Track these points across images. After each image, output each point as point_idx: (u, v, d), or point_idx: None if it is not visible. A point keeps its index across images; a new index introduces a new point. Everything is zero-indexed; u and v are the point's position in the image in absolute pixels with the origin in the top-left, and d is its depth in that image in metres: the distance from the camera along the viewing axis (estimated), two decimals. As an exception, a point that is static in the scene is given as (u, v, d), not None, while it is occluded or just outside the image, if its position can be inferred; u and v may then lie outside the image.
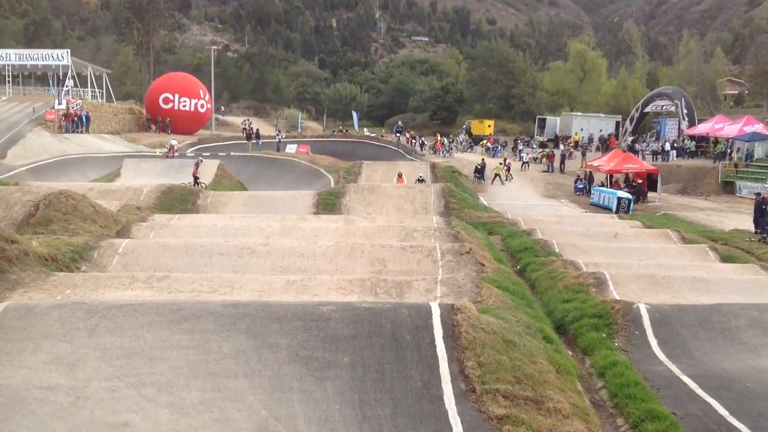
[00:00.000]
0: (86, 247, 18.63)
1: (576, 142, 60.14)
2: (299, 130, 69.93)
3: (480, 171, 45.38)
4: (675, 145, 53.61)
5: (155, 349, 11.26)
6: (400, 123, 37.74)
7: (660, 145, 54.35)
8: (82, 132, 52.22)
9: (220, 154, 46.50)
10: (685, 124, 55.35)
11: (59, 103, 53.44)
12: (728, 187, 43.86)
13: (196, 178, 35.79)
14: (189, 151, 49.93)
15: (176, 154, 45.53)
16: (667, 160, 50.51)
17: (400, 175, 38.14)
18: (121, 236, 21.43)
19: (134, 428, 9.13)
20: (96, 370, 10.50)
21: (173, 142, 47.23)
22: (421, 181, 35.86)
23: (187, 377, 10.53)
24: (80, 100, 57.08)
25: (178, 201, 30.19)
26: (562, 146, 57.71)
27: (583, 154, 52.95)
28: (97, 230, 21.28)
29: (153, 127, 63.65)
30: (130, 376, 10.46)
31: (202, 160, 37.92)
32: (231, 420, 9.54)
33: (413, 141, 42.02)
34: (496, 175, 44.46)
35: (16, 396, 9.58)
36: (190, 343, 11.48)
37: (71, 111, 52.97)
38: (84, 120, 53.24)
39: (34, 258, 16.28)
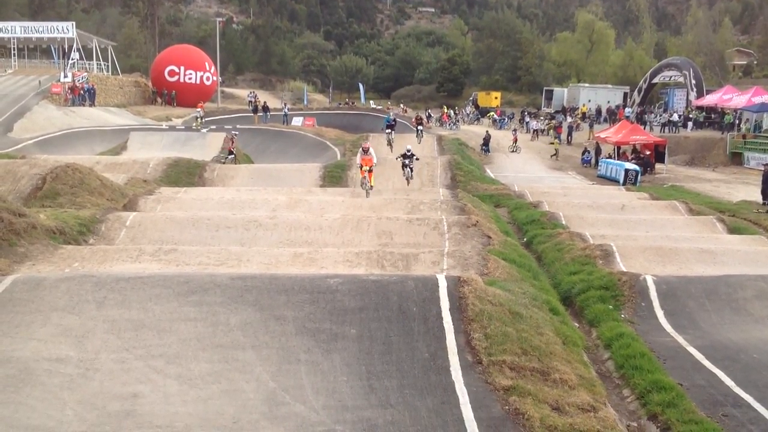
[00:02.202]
0: (93, 220, 18.68)
1: (583, 114, 59.82)
2: (305, 102, 69.68)
3: (486, 143, 45.20)
4: (687, 115, 53.20)
5: (163, 321, 11.33)
6: (391, 115, 35.58)
7: (668, 116, 54.01)
8: (88, 105, 52.14)
9: (226, 127, 46.41)
10: (693, 94, 54.98)
11: (65, 76, 53.32)
12: (736, 159, 43.64)
13: (230, 152, 36.03)
14: (194, 124, 49.82)
15: (203, 123, 45.80)
16: (676, 132, 50.23)
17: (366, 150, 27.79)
18: (128, 209, 21.47)
19: (143, 399, 9.20)
20: (105, 342, 10.57)
21: (199, 113, 47.24)
22: (406, 156, 27.25)
23: (196, 349, 10.60)
24: (86, 73, 56.93)
25: (184, 174, 30.19)
26: (569, 118, 57.38)
27: (591, 126, 52.68)
28: (104, 203, 21.32)
29: (159, 99, 63.53)
30: (139, 348, 10.53)
31: (236, 134, 37.97)
32: (239, 391, 9.60)
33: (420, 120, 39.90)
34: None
35: (26, 368, 9.65)
36: (198, 316, 11.54)
37: (77, 84, 52.86)
38: (90, 93, 53.13)
39: (41, 231, 16.34)
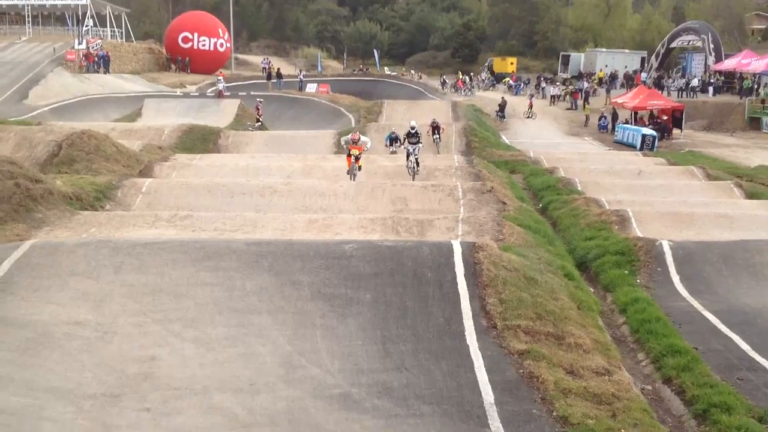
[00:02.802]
0: (110, 186, 18.78)
1: (600, 79, 59.24)
2: (319, 69, 69.36)
3: (502, 109, 44.91)
4: (708, 80, 52.54)
5: (180, 286, 11.41)
6: (393, 132, 27.24)
7: (686, 81, 53.40)
8: (102, 72, 52.12)
9: (240, 93, 46.31)
10: (711, 59, 54.25)
11: (79, 43, 53.24)
12: (754, 123, 43.14)
13: (258, 119, 36.13)
14: (209, 91, 49.74)
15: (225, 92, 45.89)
16: (694, 97, 49.69)
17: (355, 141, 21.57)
18: (144, 176, 21.56)
19: (161, 362, 9.30)
20: (123, 306, 10.67)
21: (221, 87, 47.20)
22: (411, 138, 22.70)
23: (212, 313, 10.68)
24: (100, 40, 56.83)
25: (199, 141, 30.22)
26: (586, 83, 56.86)
27: (608, 91, 52.19)
28: (120, 170, 21.41)
29: (173, 66, 63.35)
30: (156, 312, 10.62)
31: (261, 101, 37.99)
32: (256, 354, 9.68)
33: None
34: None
35: (45, 331, 9.77)
36: (214, 281, 11.62)
37: (91, 51, 52.80)
38: (104, 60, 53.09)
39: (58, 197, 16.44)
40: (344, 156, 23.37)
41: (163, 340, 9.89)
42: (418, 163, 22.50)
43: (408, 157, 22.47)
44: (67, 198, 16.74)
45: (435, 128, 28.83)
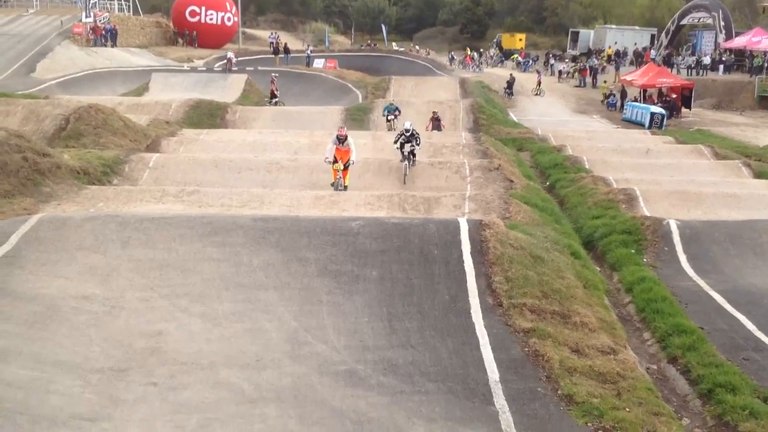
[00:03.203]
0: (117, 161, 18.79)
1: (609, 56, 58.80)
2: (326, 44, 69.00)
3: (510, 86, 44.67)
4: (718, 57, 52.08)
5: (187, 261, 11.45)
6: (392, 103, 28.89)
7: (696, 58, 52.97)
8: (109, 45, 51.96)
9: (247, 68, 46.13)
10: (722, 37, 53.76)
11: (87, 16, 53.02)
12: (764, 102, 42.78)
13: (273, 94, 36.00)
14: (216, 65, 49.58)
15: (234, 66, 45.63)
16: (704, 75, 49.31)
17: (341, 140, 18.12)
18: (151, 150, 21.56)
19: (168, 337, 9.35)
20: (130, 281, 10.72)
21: (230, 55, 46.88)
22: (407, 137, 19.53)
23: (219, 289, 10.72)
24: (107, 14, 56.58)
25: (206, 116, 30.17)
26: (595, 60, 56.44)
27: (617, 69, 51.82)
28: (127, 144, 21.41)
29: (180, 40, 63.09)
30: (164, 287, 10.66)
31: (276, 76, 37.83)
32: (262, 330, 9.72)
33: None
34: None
35: (53, 305, 9.82)
36: (221, 256, 11.65)
37: (99, 24, 52.61)
38: (111, 33, 52.90)
39: (66, 171, 16.47)
40: (351, 132, 22.78)
41: (170, 315, 9.93)
42: (414, 159, 19.60)
43: (404, 157, 19.45)
44: (74, 172, 16.77)
45: (436, 122, 27.55)
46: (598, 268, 14.18)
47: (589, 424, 8.03)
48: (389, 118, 28.15)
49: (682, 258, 14.26)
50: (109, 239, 11.82)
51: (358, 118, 31.13)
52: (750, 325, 11.14)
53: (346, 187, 17.80)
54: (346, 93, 41.78)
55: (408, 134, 19.44)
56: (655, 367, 10.32)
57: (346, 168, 17.77)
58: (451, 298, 10.88)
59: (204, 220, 12.84)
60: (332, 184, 17.79)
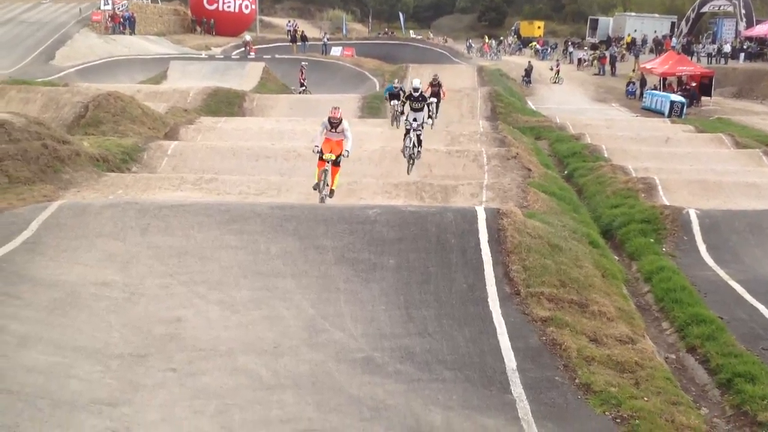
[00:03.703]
0: (136, 149, 18.88)
1: (629, 44, 58.32)
2: (344, 32, 68.84)
3: (528, 74, 44.42)
4: (739, 46, 51.52)
5: (205, 248, 11.51)
6: (396, 83, 25.09)
7: (716, 46, 52.44)
8: (128, 33, 52.12)
9: (264, 56, 46.14)
10: (742, 25, 53.21)
11: (105, 4, 53.19)
12: (786, 91, 42.34)
13: (302, 83, 36.06)
14: (234, 53, 49.62)
15: (253, 49, 45.58)
16: (725, 63, 48.82)
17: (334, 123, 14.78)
18: (170, 138, 21.64)
19: (187, 323, 9.41)
20: (149, 268, 10.79)
21: (248, 38, 46.79)
22: (414, 102, 17.48)
23: (237, 276, 10.77)
24: (125, 1, 56.72)
25: (224, 104, 30.22)
26: (614, 48, 55.99)
27: (636, 57, 51.40)
28: (146, 132, 21.50)
29: (198, 28, 63.16)
30: (182, 274, 10.72)
31: (305, 65, 37.87)
32: (279, 318, 9.76)
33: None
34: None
35: (73, 291, 9.90)
36: (239, 244, 11.70)
37: (117, 12, 52.77)
38: (129, 21, 53.06)
39: (85, 158, 16.58)
40: (369, 120, 22.26)
41: (189, 302, 9.99)
42: (420, 143, 17.13)
43: (407, 134, 17.00)
44: (93, 159, 16.87)
45: (435, 88, 23.57)
46: (617, 258, 14.12)
47: (606, 413, 8.02)
48: (395, 103, 22.99)
49: (702, 247, 14.17)
50: (129, 226, 11.90)
51: (375, 106, 31.05)
52: (770, 315, 11.07)
53: (332, 193, 14.33)
54: (363, 81, 41.71)
55: (417, 94, 16.73)
56: (673, 356, 10.27)
57: (336, 164, 14.24)
58: (469, 287, 10.87)
59: (222, 207, 12.90)
60: (314, 187, 14.37)
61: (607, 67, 49.50)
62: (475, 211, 13.11)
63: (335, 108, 14.41)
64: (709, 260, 13.63)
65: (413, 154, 16.87)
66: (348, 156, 14.39)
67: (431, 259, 11.52)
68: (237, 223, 12.25)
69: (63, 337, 8.70)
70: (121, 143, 18.87)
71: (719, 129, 28.28)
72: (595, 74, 49.61)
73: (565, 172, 21.36)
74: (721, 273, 12.94)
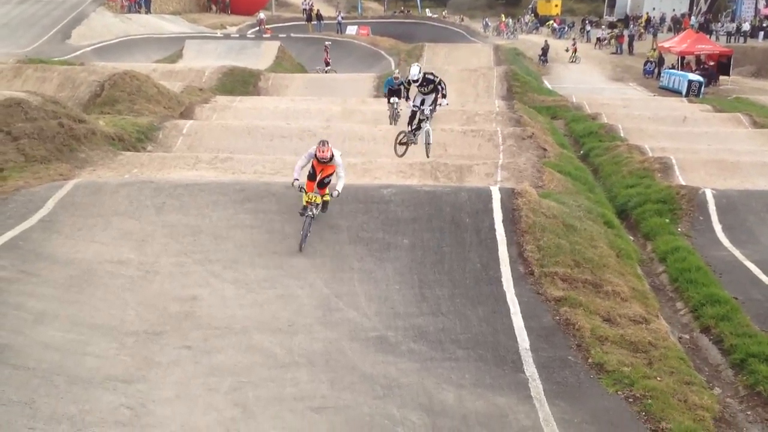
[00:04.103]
0: (151, 128, 18.93)
1: (647, 22, 57.70)
2: (359, 11, 68.50)
3: (545, 53, 44.09)
4: (757, 24, 50.87)
5: (220, 227, 11.57)
6: (396, 73, 20.65)
7: (735, 25, 51.80)
8: (143, 12, 52.11)
9: (280, 35, 46.03)
10: (762, 3, 52.51)
11: (121, -17, 53.18)
12: (806, 70, 41.80)
13: (327, 63, 36.03)
14: (249, 32, 49.52)
15: (266, 27, 45.45)
16: (744, 42, 48.25)
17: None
18: (185, 117, 21.66)
19: (202, 302, 9.48)
20: (164, 247, 10.86)
21: (262, 16, 46.56)
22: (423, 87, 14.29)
23: (252, 255, 10.83)
24: (141, -20, 56.65)
25: (239, 83, 30.18)
26: (632, 27, 55.44)
27: (654, 35, 50.87)
28: (161, 111, 21.52)
29: (213, 7, 62.98)
30: (197, 252, 10.80)
31: (329, 44, 37.81)
32: (294, 296, 9.82)
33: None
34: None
35: (89, 269, 9.99)
36: (253, 223, 11.75)
37: (133, -9, 52.74)
38: (145, 0, 53.03)
39: (101, 137, 16.63)
40: (384, 100, 21.58)
41: (204, 281, 10.07)
42: (429, 135, 14.54)
43: (411, 120, 14.15)
44: (109, 138, 16.93)
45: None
46: (632, 238, 14.05)
47: (619, 393, 8.03)
48: (394, 100, 19.66)
49: (718, 228, 14.09)
50: (144, 205, 11.97)
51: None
52: (786, 296, 11.01)
53: (322, 205, 11.55)
54: (378, 60, 41.55)
55: (416, 80, 13.62)
56: (687, 336, 10.25)
57: (323, 185, 11.58)
58: (483, 267, 10.88)
59: (237, 186, 12.94)
60: (302, 212, 11.39)
61: (625, 46, 49.01)
62: (490, 190, 13.09)
63: (323, 143, 11.40)
64: (725, 240, 13.55)
65: (411, 138, 13.97)
66: (338, 196, 11.45)
67: (445, 239, 11.53)
68: (252, 202, 12.30)
69: (79, 315, 8.79)
70: (137, 122, 18.91)
71: (737, 108, 27.98)
72: (613, 53, 49.16)
73: (581, 152, 21.24)
74: (737, 253, 12.87)
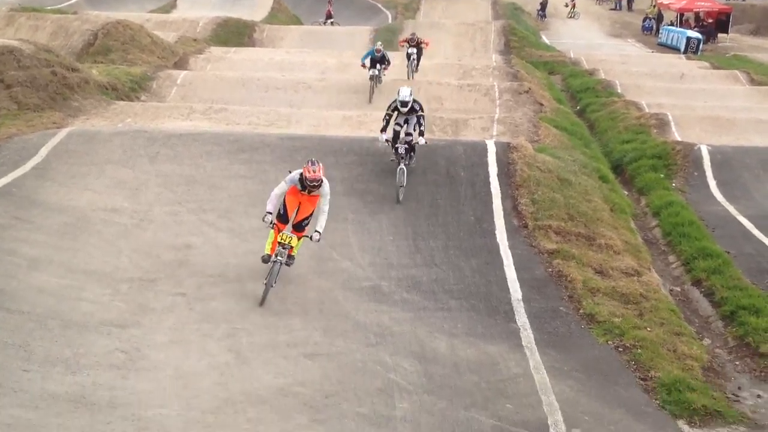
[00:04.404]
0: (145, 77, 18.78)
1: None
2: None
3: (543, 8, 43.67)
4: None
5: (214, 177, 11.55)
6: (378, 46, 19.06)
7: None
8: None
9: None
10: (764, -40, 51.92)
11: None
12: (805, 28, 41.51)
13: (329, 16, 35.66)
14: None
15: None
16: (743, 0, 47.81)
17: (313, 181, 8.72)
18: (179, 68, 21.48)
19: (196, 250, 9.49)
20: (158, 196, 10.84)
21: None
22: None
23: (246, 205, 10.82)
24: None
25: (234, 34, 29.87)
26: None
27: (654, -8, 50.41)
28: (155, 61, 21.32)
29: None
30: (191, 202, 10.79)
31: None
32: (288, 246, 9.79)
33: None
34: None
35: (83, 216, 9.98)
36: (247, 173, 11.73)
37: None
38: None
39: (94, 86, 16.50)
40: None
41: (198, 230, 10.07)
42: (413, 151, 11.90)
43: (395, 140, 11.80)
44: (102, 87, 16.80)
45: (413, 43, 20.35)
46: (626, 192, 14.09)
47: (609, 342, 8.12)
48: (373, 72, 18.42)
49: (712, 183, 14.14)
50: (138, 154, 11.93)
51: (387, 39, 30.62)
52: (777, 250, 11.08)
53: (290, 259, 8.72)
54: (375, 13, 41.10)
55: (405, 108, 11.81)
56: (678, 289, 10.32)
57: (300, 227, 8.79)
58: (477, 219, 10.92)
59: (231, 137, 12.89)
60: (263, 258, 8.74)
61: (624, 2, 48.58)
62: (486, 144, 13.08)
63: (312, 162, 8.60)
64: (719, 196, 13.61)
65: (405, 164, 11.59)
66: (318, 239, 8.64)
67: (440, 192, 11.55)
68: (246, 152, 12.26)
69: (73, 261, 8.80)
70: (130, 72, 18.75)
71: (735, 66, 27.87)
72: (612, 9, 48.73)
73: (578, 107, 21.17)
74: (731, 209, 12.92)
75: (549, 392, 7.08)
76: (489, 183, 11.82)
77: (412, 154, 11.75)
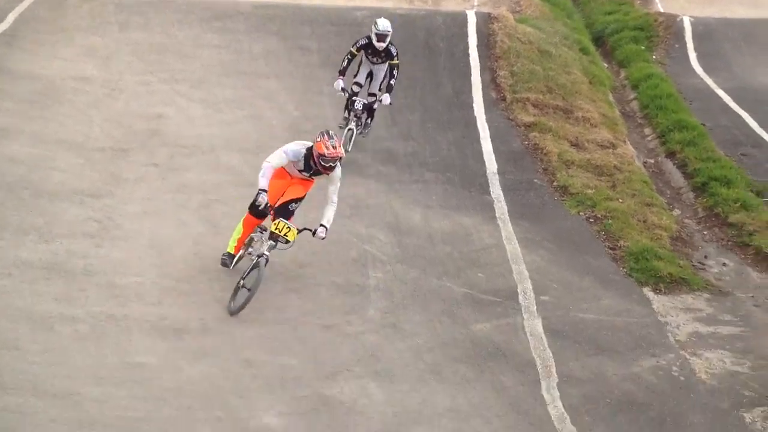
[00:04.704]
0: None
1: None
2: None
3: None
4: None
5: (186, 46, 11.26)
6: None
7: None
8: None
9: None
10: None
11: None
12: None
13: None
14: None
15: None
16: None
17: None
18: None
19: (168, 120, 9.33)
20: (129, 65, 10.57)
21: None
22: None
23: (219, 75, 10.61)
24: None
25: None
26: None
27: None
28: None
29: None
30: (163, 71, 10.53)
31: None
32: (263, 117, 9.71)
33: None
34: None
35: (53, 85, 9.72)
36: (221, 43, 11.44)
37: None
38: None
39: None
40: None
41: (170, 100, 9.88)
42: (372, 114, 9.29)
43: (350, 101, 9.20)
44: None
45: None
46: (606, 65, 13.95)
47: (581, 213, 8.24)
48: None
49: (693, 55, 14.04)
50: (107, 21, 11.56)
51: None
52: (752, 123, 11.15)
53: (273, 246, 6.45)
54: None
55: (383, 44, 9.26)
56: (652, 161, 10.40)
57: (290, 206, 6.72)
58: (455, 92, 10.83)
59: (203, 4, 12.49)
60: (223, 260, 6.64)
61: None
62: (466, 14, 12.83)
63: (330, 136, 6.41)
64: (699, 68, 13.55)
65: (356, 128, 9.18)
66: (324, 238, 6.52)
67: (418, 63, 11.35)
68: (219, 20, 11.92)
69: (44, 130, 8.63)
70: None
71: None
72: None
73: (562, -22, 20.63)
74: (709, 81, 12.90)
75: (520, 262, 7.24)
76: (468, 55, 11.66)
77: (369, 120, 9.22)
